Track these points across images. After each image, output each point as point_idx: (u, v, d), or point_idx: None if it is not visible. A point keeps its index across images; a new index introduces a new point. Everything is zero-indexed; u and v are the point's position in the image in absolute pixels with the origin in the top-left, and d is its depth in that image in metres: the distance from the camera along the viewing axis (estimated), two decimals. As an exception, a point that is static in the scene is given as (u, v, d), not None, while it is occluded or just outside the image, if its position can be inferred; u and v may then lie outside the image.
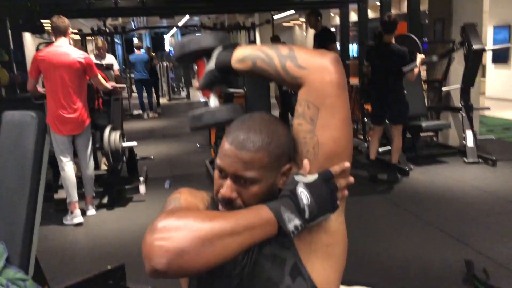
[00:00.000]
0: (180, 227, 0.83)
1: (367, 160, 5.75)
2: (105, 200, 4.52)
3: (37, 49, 7.27)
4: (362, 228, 3.76)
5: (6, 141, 2.15)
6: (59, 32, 4.02)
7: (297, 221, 0.91)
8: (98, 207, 4.47)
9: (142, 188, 4.83)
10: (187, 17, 17.99)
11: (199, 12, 11.31)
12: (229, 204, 0.96)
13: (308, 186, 0.94)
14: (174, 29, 27.10)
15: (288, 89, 5.59)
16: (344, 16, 9.25)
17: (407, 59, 4.64)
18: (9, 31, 7.29)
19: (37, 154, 2.07)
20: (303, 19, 11.55)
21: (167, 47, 27.52)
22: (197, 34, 1.13)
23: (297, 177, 0.96)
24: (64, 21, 4.06)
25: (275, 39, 9.46)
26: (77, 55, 4.02)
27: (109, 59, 6.92)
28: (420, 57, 4.76)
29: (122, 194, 4.79)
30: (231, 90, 4.98)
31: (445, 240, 3.46)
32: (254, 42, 12.22)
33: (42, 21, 7.45)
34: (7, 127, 2.16)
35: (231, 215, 0.89)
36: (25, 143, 2.07)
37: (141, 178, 4.87)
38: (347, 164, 0.99)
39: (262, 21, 12.38)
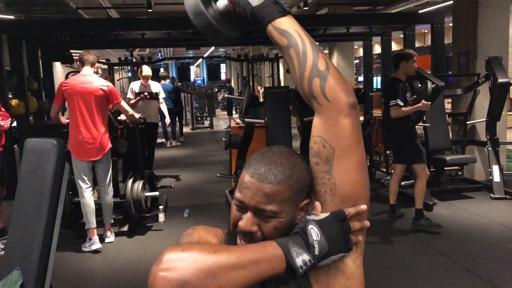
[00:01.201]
0: (184, 259, 0.82)
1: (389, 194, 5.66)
2: (124, 228, 4.52)
3: (66, 77, 7.49)
4: (382, 264, 3.65)
5: (27, 168, 2.19)
6: (86, 62, 4.17)
7: (305, 256, 0.89)
8: (117, 234, 4.47)
9: (161, 217, 4.84)
10: (212, 48, 18.36)
11: (224, 44, 11.53)
12: (249, 237, 0.95)
13: (319, 223, 0.91)
14: (200, 60, 27.67)
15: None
16: (368, 48, 9.28)
17: (392, 94, 4.32)
18: (40, 60, 7.55)
19: (56, 181, 2.10)
20: (327, 51, 11.63)
21: (192, 77, 28.05)
22: None
23: (308, 217, 0.94)
24: (91, 54, 4.27)
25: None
26: (100, 83, 4.14)
27: (155, 87, 6.80)
28: (415, 97, 4.52)
29: (141, 222, 4.80)
30: (252, 120, 5.02)
31: (470, 279, 3.32)
32: (277, 73, 12.33)
33: (71, 51, 7.70)
34: (28, 154, 2.20)
35: (237, 249, 0.88)
36: (44, 171, 2.10)
37: (161, 207, 4.88)
38: (363, 207, 0.96)
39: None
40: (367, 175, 1.00)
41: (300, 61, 0.96)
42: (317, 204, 0.97)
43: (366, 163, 1.00)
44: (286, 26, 0.96)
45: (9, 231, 2.19)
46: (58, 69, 14.26)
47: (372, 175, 6.44)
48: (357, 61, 17.24)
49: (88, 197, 4.16)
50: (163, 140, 10.72)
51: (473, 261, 3.61)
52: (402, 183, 5.49)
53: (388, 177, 6.03)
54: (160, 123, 11.14)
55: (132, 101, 6.27)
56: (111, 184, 4.40)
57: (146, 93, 6.32)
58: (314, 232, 0.90)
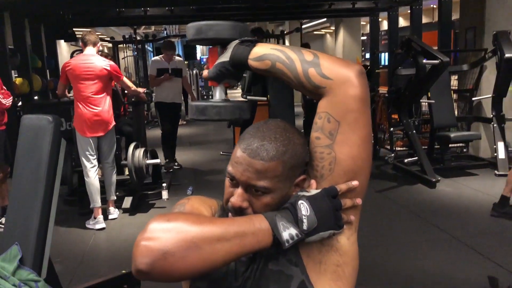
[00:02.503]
0: (168, 229, 0.81)
1: (392, 171, 5.66)
2: (127, 205, 4.57)
3: (71, 56, 7.47)
4: (382, 240, 3.66)
5: (24, 144, 2.20)
6: (88, 42, 4.19)
7: (292, 230, 0.87)
8: (120, 211, 4.52)
9: (165, 194, 4.87)
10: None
11: (230, 20, 11.33)
12: (240, 213, 0.93)
13: (309, 198, 0.90)
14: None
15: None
16: (374, 24, 9.15)
17: None
18: (44, 39, 7.53)
19: (52, 157, 2.10)
20: (333, 28, 11.49)
21: (198, 55, 27.83)
22: (218, 22, 1.06)
23: (300, 192, 0.93)
24: (93, 34, 4.31)
25: (304, 47, 9.43)
26: (103, 63, 4.16)
27: (179, 64, 6.40)
28: None
29: (145, 200, 4.84)
30: (254, 98, 4.99)
31: (470, 255, 3.32)
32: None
33: (74, 29, 7.66)
34: (25, 131, 2.21)
35: (223, 221, 0.87)
36: (40, 147, 2.11)
37: (164, 184, 4.91)
38: (354, 183, 0.94)
39: (292, 29, 12.38)
40: (371, 150, 0.97)
41: (289, 66, 0.94)
42: (312, 182, 0.96)
43: (371, 136, 0.97)
44: (262, 51, 0.96)
45: (8, 207, 2.22)
46: (64, 47, 14.22)
47: (376, 153, 6.42)
48: (365, 37, 17.01)
49: (93, 176, 4.19)
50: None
51: (474, 238, 3.61)
52: (406, 160, 5.48)
53: (393, 155, 6.00)
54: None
55: (154, 80, 6.15)
56: (115, 161, 4.44)
57: (170, 71, 6.17)
58: (304, 207, 0.88)
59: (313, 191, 0.92)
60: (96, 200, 4.18)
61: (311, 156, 0.98)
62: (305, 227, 0.88)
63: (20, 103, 6.37)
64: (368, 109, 0.96)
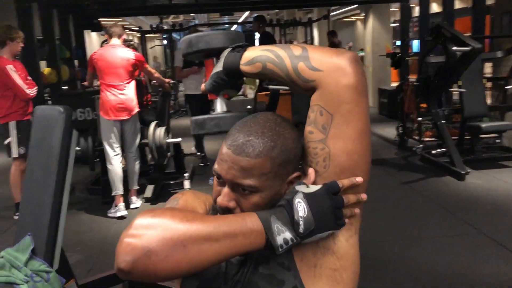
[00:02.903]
0: (153, 226, 0.77)
1: (420, 163, 5.49)
2: (149, 194, 4.59)
3: (101, 46, 7.56)
4: (407, 234, 3.54)
5: (36, 135, 2.20)
6: (113, 34, 4.28)
7: (287, 234, 0.81)
8: (142, 200, 4.55)
9: (187, 184, 4.86)
10: (247, 13, 18.07)
11: (258, 8, 11.25)
12: (228, 213, 0.88)
13: (308, 196, 0.83)
14: (235, 26, 27.37)
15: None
16: (405, 10, 8.85)
17: None
18: (72, 29, 7.63)
19: (63, 148, 2.09)
20: (364, 14, 11.21)
21: (227, 44, 27.82)
22: (208, 32, 1.07)
23: (298, 187, 0.86)
24: (118, 26, 4.42)
25: (331, 34, 9.25)
26: (127, 53, 4.25)
27: None
28: None
29: (167, 189, 4.85)
30: (276, 87, 4.90)
31: (499, 252, 3.18)
32: (311, 38, 12.01)
33: (101, 19, 7.74)
34: (37, 121, 2.21)
35: (213, 219, 0.81)
36: (52, 138, 2.10)
37: (186, 174, 4.90)
38: (358, 179, 0.87)
39: (321, 16, 12.17)
40: (369, 144, 0.90)
41: (279, 65, 0.89)
42: (311, 171, 0.89)
43: (369, 129, 0.90)
44: (252, 55, 0.93)
45: (21, 198, 2.23)
46: (94, 38, 14.45)
47: (404, 143, 6.25)
48: (397, 24, 16.58)
49: (116, 164, 4.25)
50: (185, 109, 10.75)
51: (504, 234, 3.45)
52: (433, 151, 5.30)
53: (421, 145, 5.82)
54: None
55: (181, 72, 5.84)
56: (138, 150, 4.48)
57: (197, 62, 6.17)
58: (301, 207, 0.82)
59: (313, 187, 0.85)
60: (118, 188, 4.23)
61: (305, 152, 0.91)
62: (301, 230, 0.82)
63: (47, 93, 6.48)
64: (364, 99, 0.88)
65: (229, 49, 0.97)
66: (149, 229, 0.76)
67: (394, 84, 8.73)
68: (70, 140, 2.15)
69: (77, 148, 4.45)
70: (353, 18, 19.52)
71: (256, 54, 0.92)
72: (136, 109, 4.31)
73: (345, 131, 0.87)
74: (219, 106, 1.06)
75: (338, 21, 20.40)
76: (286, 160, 0.88)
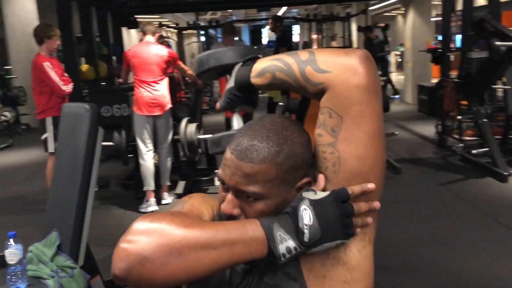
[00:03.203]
0: (149, 231, 0.74)
1: (460, 163, 5.28)
2: (180, 190, 4.61)
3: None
4: (442, 238, 3.40)
5: (64, 132, 2.23)
6: (147, 32, 4.35)
7: (290, 243, 0.77)
8: (174, 196, 4.58)
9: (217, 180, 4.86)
10: (284, 8, 17.95)
11: (295, 3, 11.14)
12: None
13: (314, 204, 0.78)
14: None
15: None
16: (447, 4, 8.53)
17: None
18: (110, 26, 7.77)
19: (89, 146, 2.11)
20: (404, 8, 10.90)
21: (265, 40, 27.81)
22: (218, 49, 1.05)
23: (305, 193, 0.81)
24: (152, 24, 4.52)
25: (367, 29, 9.05)
26: (160, 50, 4.31)
27: None
28: None
29: (198, 185, 4.87)
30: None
31: (542, 260, 3.00)
32: (349, 33, 11.78)
33: (138, 16, 7.84)
34: (65, 118, 2.24)
35: (212, 226, 0.78)
36: (78, 135, 2.12)
37: (217, 171, 4.90)
38: (370, 186, 0.82)
39: (359, 11, 11.92)
40: (382, 148, 0.84)
41: (288, 72, 0.85)
42: (320, 177, 0.84)
43: (383, 132, 0.84)
44: (261, 66, 0.90)
45: (49, 193, 2.26)
46: (133, 35, 14.71)
47: (443, 142, 6.03)
48: (439, 18, 16.06)
49: (148, 159, 4.31)
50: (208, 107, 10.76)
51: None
52: (474, 151, 5.08)
53: (461, 145, 5.60)
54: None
55: None
56: (171, 146, 4.53)
57: None
58: (307, 215, 0.77)
59: (320, 194, 0.80)
60: (149, 183, 4.28)
61: (314, 156, 0.87)
62: (306, 239, 0.77)
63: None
64: (376, 99, 0.82)
65: (239, 64, 0.95)
66: (145, 235, 0.74)
67: (435, 81, 8.43)
68: (96, 137, 2.16)
69: (111, 144, 4.53)
70: (394, 13, 19.07)
71: (265, 65, 0.89)
72: (169, 106, 4.34)
73: (356, 134, 0.81)
74: (236, 123, 1.04)
75: (378, 15, 19.98)
76: (293, 165, 0.83)
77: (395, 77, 14.12)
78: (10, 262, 2.00)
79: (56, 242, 2.10)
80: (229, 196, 0.84)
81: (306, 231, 0.77)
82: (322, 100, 0.84)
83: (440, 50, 7.17)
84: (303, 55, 0.85)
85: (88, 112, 2.13)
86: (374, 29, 9.23)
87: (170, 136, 4.45)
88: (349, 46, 10.50)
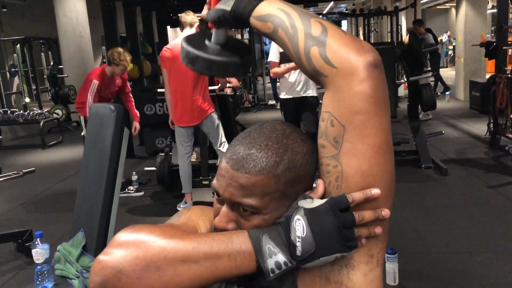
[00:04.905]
0: (127, 243, 0.69)
1: (512, 163, 4.95)
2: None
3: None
4: (490, 245, 3.17)
5: (91, 133, 2.24)
6: (184, 25, 4.11)
7: (280, 257, 0.69)
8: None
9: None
10: (331, 3, 17.64)
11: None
12: None
13: (309, 213, 0.70)
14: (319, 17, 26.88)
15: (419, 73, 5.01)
16: (502, -5, 8.04)
17: None
18: (155, 26, 7.90)
19: (115, 146, 2.10)
20: (453, 3, 10.39)
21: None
22: None
23: (301, 201, 0.73)
24: (189, 14, 4.15)
25: (417, 23, 8.69)
26: None
27: None
28: None
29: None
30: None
31: None
32: (397, 27, 11.37)
33: (180, 15, 7.91)
34: (92, 119, 2.25)
35: (195, 238, 0.71)
36: (104, 135, 2.12)
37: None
38: (375, 192, 0.72)
39: (408, 4, 11.49)
40: (388, 164, 0.74)
41: (291, 38, 0.75)
42: (319, 182, 0.76)
43: (390, 147, 0.75)
44: (267, 10, 0.78)
45: (77, 194, 2.28)
46: (180, 34, 14.90)
47: (495, 142, 5.68)
48: (495, 10, 15.26)
49: (184, 163, 4.18)
50: (273, 101, 10.70)
51: None
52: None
53: (515, 144, 5.25)
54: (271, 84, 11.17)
55: (278, 69, 4.45)
56: (223, 145, 4.24)
57: None
58: (300, 226, 0.69)
59: (317, 202, 0.72)
60: (186, 188, 4.21)
61: (318, 168, 0.78)
62: (298, 252, 0.69)
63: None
64: (382, 111, 0.73)
65: None
66: (123, 247, 0.68)
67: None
68: (121, 138, 2.15)
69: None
70: (447, 5, 18.32)
71: (271, 12, 0.78)
72: (210, 110, 4.08)
73: (358, 147, 0.72)
74: (214, 38, 0.91)
75: (430, 8, 19.26)
76: (294, 178, 0.75)
77: (447, 72, 13.54)
78: (37, 262, 2.03)
79: (82, 242, 2.11)
80: (224, 209, 0.77)
81: (298, 244, 0.69)
82: (324, 102, 0.76)
83: (495, 44, 6.76)
84: (315, 28, 0.74)
85: (113, 113, 2.12)
86: (423, 24, 8.84)
87: (220, 135, 4.18)
88: (400, 42, 10.08)
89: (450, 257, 3.00)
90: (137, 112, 4.93)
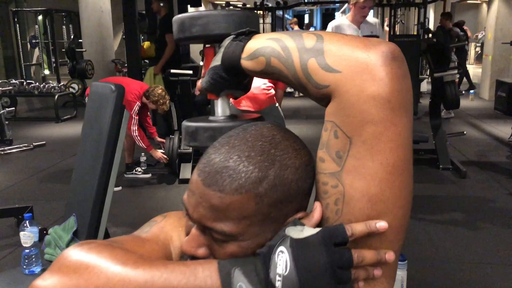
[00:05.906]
0: (72, 267, 0.57)
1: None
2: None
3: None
4: (509, 258, 3.00)
5: (89, 112, 2.12)
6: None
7: None
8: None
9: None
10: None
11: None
12: None
13: (296, 245, 0.56)
14: (346, 5, 26.42)
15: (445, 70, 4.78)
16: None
17: None
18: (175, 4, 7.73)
19: (113, 128, 1.98)
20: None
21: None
22: (207, 12, 0.81)
23: (289, 229, 0.59)
24: None
25: (445, 17, 8.37)
26: None
27: (374, 28, 3.83)
28: None
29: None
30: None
31: None
32: (424, 21, 11.00)
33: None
34: (91, 98, 2.13)
35: (150, 268, 0.57)
36: (103, 116, 2.00)
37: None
38: (380, 225, 0.57)
39: (437, -3, 11.10)
40: (405, 188, 0.59)
41: (285, 60, 0.62)
42: (316, 205, 0.62)
43: (408, 166, 0.60)
44: (256, 45, 0.67)
45: (72, 176, 2.17)
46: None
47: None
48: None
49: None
50: (292, 89, 10.50)
51: None
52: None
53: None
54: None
55: None
56: None
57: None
58: (283, 260, 0.55)
59: (308, 231, 0.57)
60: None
61: (315, 186, 0.64)
62: None
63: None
64: (402, 118, 0.58)
65: (231, 37, 0.72)
66: (64, 273, 0.57)
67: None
68: (121, 120, 2.03)
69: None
70: (478, 0, 17.73)
71: (260, 45, 0.66)
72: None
73: (368, 165, 0.58)
74: (220, 109, 0.80)
75: (460, 3, 18.65)
76: (281, 198, 0.60)
77: (472, 70, 13.13)
78: (24, 245, 1.94)
79: (73, 228, 2.01)
80: (194, 231, 0.63)
81: (278, 283, 0.54)
82: (328, 111, 0.61)
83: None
84: (309, 39, 0.61)
85: (114, 93, 1.99)
86: (452, 18, 8.51)
87: None
88: (427, 36, 9.69)
89: (464, 267, 2.84)
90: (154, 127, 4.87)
